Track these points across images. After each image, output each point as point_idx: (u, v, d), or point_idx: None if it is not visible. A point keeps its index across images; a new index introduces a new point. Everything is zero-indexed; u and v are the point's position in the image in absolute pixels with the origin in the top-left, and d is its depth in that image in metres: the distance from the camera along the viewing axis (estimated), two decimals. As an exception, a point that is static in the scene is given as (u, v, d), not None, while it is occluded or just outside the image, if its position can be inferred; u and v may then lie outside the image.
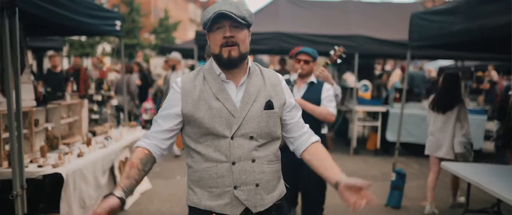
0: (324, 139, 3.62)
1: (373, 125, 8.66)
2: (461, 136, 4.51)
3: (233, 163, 1.79)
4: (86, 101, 4.91)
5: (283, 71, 9.25)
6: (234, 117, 1.80)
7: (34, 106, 3.88)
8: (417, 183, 6.07)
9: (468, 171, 3.94)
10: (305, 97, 3.56)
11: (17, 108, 2.95)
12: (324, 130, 3.85)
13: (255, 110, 1.83)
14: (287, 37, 7.89)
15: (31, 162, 3.53)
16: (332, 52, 3.81)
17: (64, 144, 4.28)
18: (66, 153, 3.73)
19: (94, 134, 4.79)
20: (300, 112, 2.02)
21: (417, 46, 4.77)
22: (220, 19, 1.75)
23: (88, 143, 4.21)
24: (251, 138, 1.81)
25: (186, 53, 13.68)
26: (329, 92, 3.64)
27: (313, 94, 3.59)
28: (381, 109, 8.27)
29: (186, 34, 50.87)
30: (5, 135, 3.39)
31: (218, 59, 1.82)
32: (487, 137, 8.07)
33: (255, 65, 1.95)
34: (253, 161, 1.82)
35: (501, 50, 4.31)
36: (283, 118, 1.95)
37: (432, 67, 14.40)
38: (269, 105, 1.86)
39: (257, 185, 1.82)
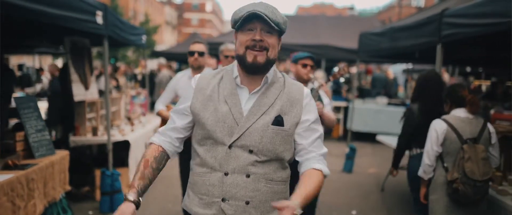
0: None
1: (337, 117, 10.54)
2: None
3: (226, 174, 1.67)
4: (123, 95, 6.61)
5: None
6: (237, 124, 1.67)
7: (98, 98, 5.58)
8: (368, 158, 8.04)
9: (393, 141, 5.85)
10: None
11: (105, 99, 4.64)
12: None
13: (262, 122, 1.67)
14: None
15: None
16: (336, 69, 3.84)
17: (112, 124, 5.96)
18: (122, 129, 5.44)
19: (129, 119, 6.48)
20: (317, 134, 1.79)
21: (364, 56, 6.69)
22: (252, 20, 1.63)
23: (132, 123, 5.92)
24: (251, 151, 1.67)
25: (176, 57, 15.16)
26: (327, 98, 3.63)
27: (316, 101, 3.43)
28: (342, 104, 10.20)
29: (162, 37, 52.11)
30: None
31: (241, 61, 1.69)
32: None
33: (279, 75, 1.81)
34: (248, 176, 1.67)
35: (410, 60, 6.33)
36: (294, 138, 1.77)
37: (391, 70, 16.53)
38: (278, 121, 1.68)
39: (247, 203, 1.67)
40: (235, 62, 1.78)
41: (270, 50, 1.67)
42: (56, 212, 3.87)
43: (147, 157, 1.74)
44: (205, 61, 3.89)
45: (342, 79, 6.46)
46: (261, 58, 1.66)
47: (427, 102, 3.59)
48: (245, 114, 1.68)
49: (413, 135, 3.65)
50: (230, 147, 1.66)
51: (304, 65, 3.44)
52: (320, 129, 1.81)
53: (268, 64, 1.70)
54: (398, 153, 3.85)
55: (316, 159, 1.77)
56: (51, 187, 3.68)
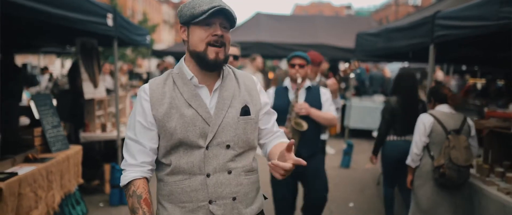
0: (323, 145, 3.69)
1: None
2: None
3: (208, 175, 1.65)
4: (129, 93, 6.84)
5: (262, 72, 11.31)
6: (208, 124, 1.64)
7: (106, 96, 5.80)
8: (364, 154, 8.27)
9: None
10: (306, 102, 3.44)
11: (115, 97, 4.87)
12: (325, 136, 3.81)
13: (230, 116, 1.68)
14: (266, 45, 9.90)
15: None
16: (346, 65, 3.82)
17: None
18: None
19: (134, 117, 6.70)
20: (275, 116, 1.92)
21: (361, 55, 6.94)
22: (218, 15, 1.61)
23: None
24: (228, 146, 1.67)
25: (177, 56, 15.33)
26: (327, 95, 3.53)
27: (313, 99, 3.46)
28: (340, 102, 10.42)
29: (160, 35, 52.32)
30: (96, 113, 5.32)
31: (201, 58, 1.65)
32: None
33: (228, 68, 1.80)
34: (229, 172, 1.67)
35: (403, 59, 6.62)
36: (258, 123, 1.81)
37: (387, 69, 16.80)
38: (245, 111, 1.72)
39: (234, 199, 1.68)
40: (182, 63, 1.74)
41: (226, 46, 1.68)
42: (70, 203, 4.10)
43: (144, 196, 1.65)
44: (236, 65, 3.62)
45: (352, 75, 6.56)
46: (222, 55, 1.65)
47: (403, 95, 4.23)
48: (212, 112, 1.67)
49: (390, 122, 4.23)
50: (207, 147, 1.64)
51: (292, 65, 3.43)
52: (272, 109, 1.92)
53: (226, 60, 1.71)
54: (378, 141, 4.39)
55: (281, 136, 1.91)
56: (67, 179, 3.91)
